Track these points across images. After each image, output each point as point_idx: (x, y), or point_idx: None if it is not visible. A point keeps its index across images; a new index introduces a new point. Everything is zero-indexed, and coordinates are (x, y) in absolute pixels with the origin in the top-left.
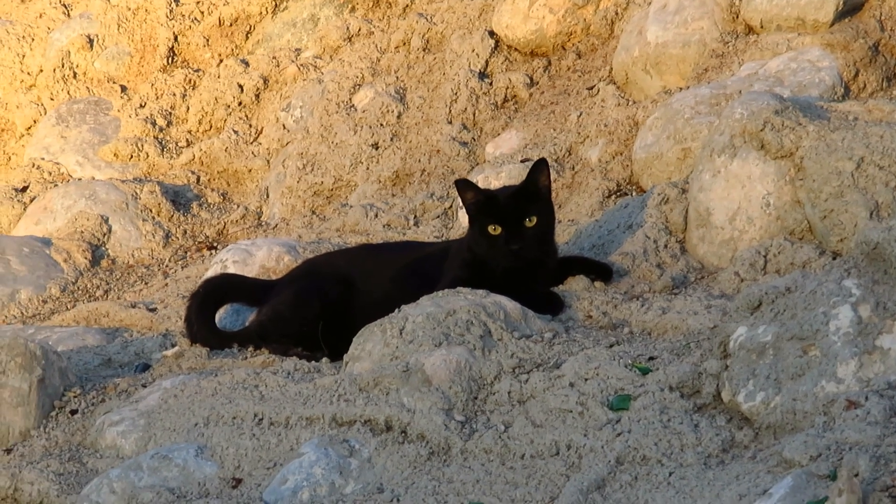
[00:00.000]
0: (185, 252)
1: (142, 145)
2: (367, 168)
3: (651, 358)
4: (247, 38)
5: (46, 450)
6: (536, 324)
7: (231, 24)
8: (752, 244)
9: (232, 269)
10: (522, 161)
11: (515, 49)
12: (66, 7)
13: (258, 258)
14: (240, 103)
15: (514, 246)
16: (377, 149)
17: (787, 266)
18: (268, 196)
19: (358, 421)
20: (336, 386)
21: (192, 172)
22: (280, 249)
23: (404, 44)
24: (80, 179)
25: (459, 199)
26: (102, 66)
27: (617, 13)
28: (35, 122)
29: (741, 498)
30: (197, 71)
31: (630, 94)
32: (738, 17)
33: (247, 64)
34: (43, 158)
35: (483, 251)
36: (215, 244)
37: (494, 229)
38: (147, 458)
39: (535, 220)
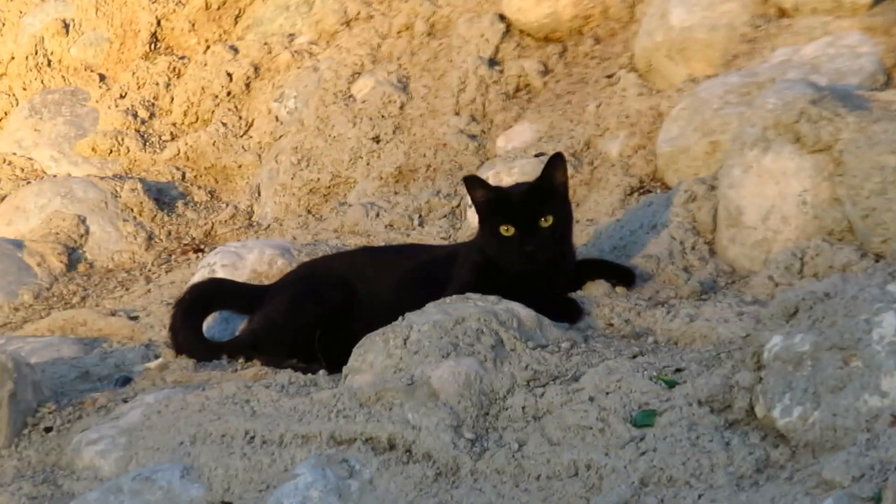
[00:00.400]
0: (170, 255)
1: (122, 139)
2: (368, 163)
3: (678, 370)
4: (236, 22)
5: (18, 471)
6: (553, 333)
7: (219, 8)
8: (787, 245)
9: (221, 274)
10: (536, 155)
11: (528, 34)
12: None
13: (249, 261)
14: (228, 93)
15: (528, 248)
16: (378, 142)
17: (825, 269)
18: (259, 194)
19: (358, 439)
20: (334, 401)
21: (177, 168)
22: (273, 252)
23: (407, 28)
24: (55, 176)
25: (468, 198)
26: (79, 53)
27: None
28: (6, 113)
29: None
30: (182, 58)
31: (653, 83)
32: None
33: (236, 50)
34: (14, 153)
35: (494, 254)
36: (202, 246)
37: (507, 230)
38: (128, 479)
39: (550, 219)
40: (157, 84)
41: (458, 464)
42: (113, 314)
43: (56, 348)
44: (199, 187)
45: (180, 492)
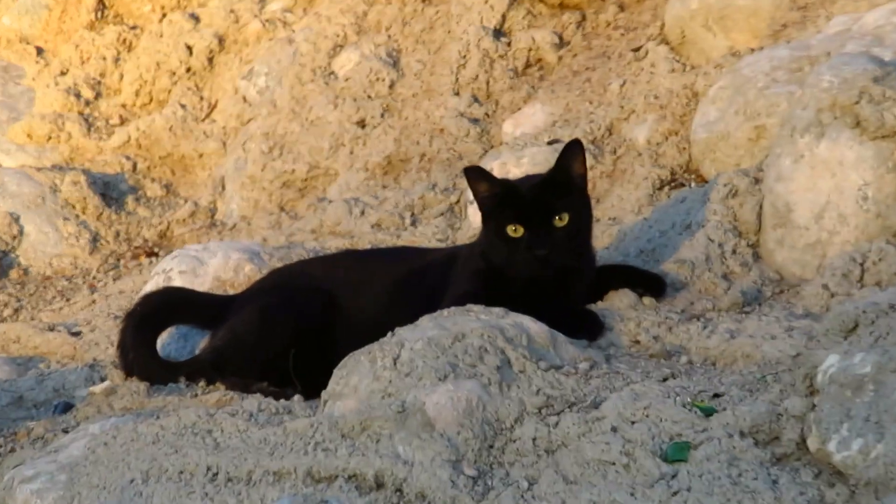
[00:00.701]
0: (118, 260)
1: (63, 123)
2: (351, 152)
3: (716, 395)
4: None
5: None
6: (569, 351)
7: None
8: (844, 249)
9: (178, 282)
10: (550, 143)
11: (540, 0)
12: None
13: (211, 267)
14: (188, 69)
15: (539, 251)
16: (364, 127)
17: (889, 276)
18: (224, 188)
19: (340, 476)
20: (312, 431)
21: (128, 158)
22: (240, 256)
23: None
24: None
25: (469, 192)
26: (13, 22)
27: None
28: None
29: None
30: (133, 28)
31: (687, 57)
32: None
33: (197, 19)
34: None
35: (500, 258)
36: (156, 249)
37: (515, 230)
38: None
39: (566, 217)
40: (105, 59)
41: None
42: (51, 329)
43: None
44: (153, 180)
45: None
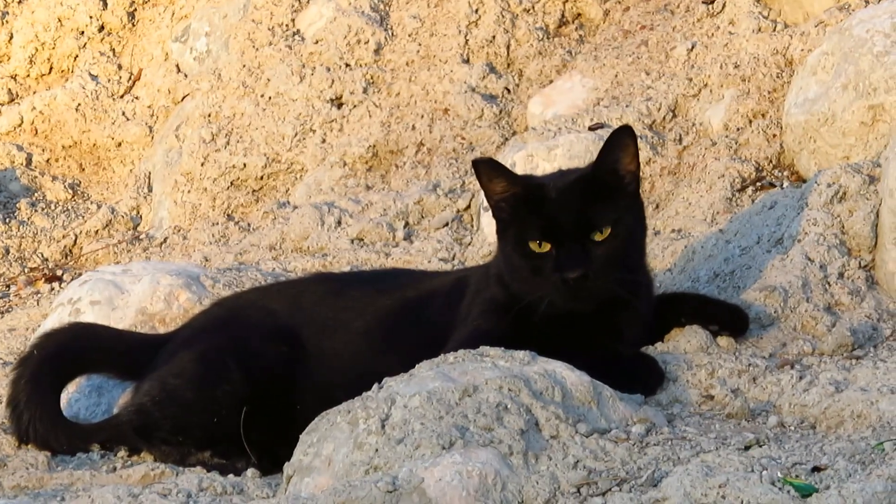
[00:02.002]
0: (7, 286)
1: None
2: (324, 140)
3: (817, 469)
4: None
5: None
6: (618, 409)
7: None
8: None
9: (90, 317)
10: (593, 128)
11: None
12: None
13: (135, 296)
14: (101, 27)
15: (570, 273)
16: (341, 107)
17: None
18: (150, 189)
19: None
20: None
21: (19, 148)
22: (173, 281)
23: None
24: None
25: (482, 194)
26: None
27: None
28: None
29: None
30: None
31: (779, 12)
32: None
33: None
34: None
35: (520, 283)
36: (60, 272)
37: (540, 245)
38: None
39: (608, 229)
40: None
41: None
42: None
43: None
44: (55, 178)
45: None
